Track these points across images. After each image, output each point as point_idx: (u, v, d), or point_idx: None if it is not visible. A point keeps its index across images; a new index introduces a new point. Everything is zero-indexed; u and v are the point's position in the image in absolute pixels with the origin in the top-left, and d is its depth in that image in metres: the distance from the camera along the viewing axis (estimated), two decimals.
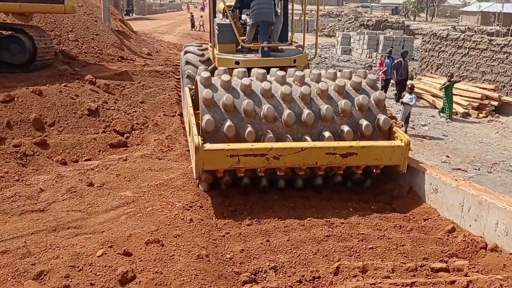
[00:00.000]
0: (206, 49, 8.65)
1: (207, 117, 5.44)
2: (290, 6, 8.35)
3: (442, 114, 12.73)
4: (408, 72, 14.41)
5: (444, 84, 12.54)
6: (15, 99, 7.93)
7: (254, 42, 7.41)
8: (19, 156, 6.80)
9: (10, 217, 4.94)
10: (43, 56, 10.14)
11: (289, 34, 8.24)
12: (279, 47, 7.68)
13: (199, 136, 5.31)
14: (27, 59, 9.96)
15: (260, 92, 5.80)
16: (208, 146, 5.23)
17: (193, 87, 6.92)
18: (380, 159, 5.67)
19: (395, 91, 14.36)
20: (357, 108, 5.91)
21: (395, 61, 13.88)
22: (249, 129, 5.47)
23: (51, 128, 7.71)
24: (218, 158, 5.28)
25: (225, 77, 5.84)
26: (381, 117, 5.88)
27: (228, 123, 5.46)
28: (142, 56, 15.43)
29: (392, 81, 14.24)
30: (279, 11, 8.19)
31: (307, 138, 5.63)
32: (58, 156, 7.02)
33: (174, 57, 15.97)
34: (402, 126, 10.61)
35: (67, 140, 7.42)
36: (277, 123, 5.68)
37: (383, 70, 14.09)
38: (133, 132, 8.22)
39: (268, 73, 6.34)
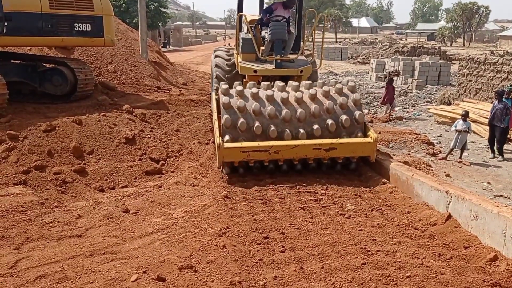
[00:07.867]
0: (233, 54, 10.38)
1: (225, 116, 7.26)
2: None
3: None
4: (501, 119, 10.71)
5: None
6: (56, 128, 8.24)
7: (270, 54, 9.20)
8: (58, 183, 7.02)
9: (48, 242, 5.06)
10: (84, 88, 10.54)
11: (301, 44, 10.35)
12: (290, 58, 9.29)
13: (220, 137, 7.11)
14: (68, 91, 10.36)
15: (265, 98, 7.51)
16: (226, 145, 7.01)
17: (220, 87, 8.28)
18: (354, 152, 7.39)
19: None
20: (339, 107, 7.54)
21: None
22: (256, 124, 7.22)
23: (90, 156, 7.94)
24: (234, 153, 7.07)
25: (239, 88, 7.68)
26: (357, 113, 7.48)
27: (241, 120, 7.24)
28: (178, 86, 15.81)
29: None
30: (292, 29, 9.90)
31: (301, 130, 7.30)
32: (96, 183, 7.20)
33: (209, 87, 16.27)
34: (450, 153, 10.36)
35: (105, 168, 7.61)
36: (278, 119, 7.34)
37: None
38: (168, 159, 8.36)
39: (281, 80, 8.35)
